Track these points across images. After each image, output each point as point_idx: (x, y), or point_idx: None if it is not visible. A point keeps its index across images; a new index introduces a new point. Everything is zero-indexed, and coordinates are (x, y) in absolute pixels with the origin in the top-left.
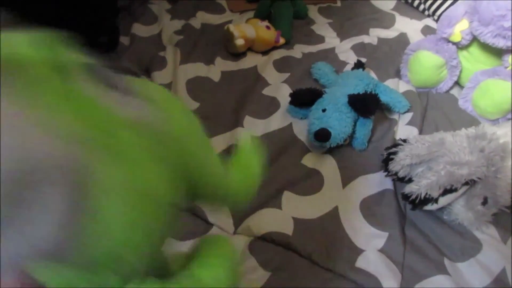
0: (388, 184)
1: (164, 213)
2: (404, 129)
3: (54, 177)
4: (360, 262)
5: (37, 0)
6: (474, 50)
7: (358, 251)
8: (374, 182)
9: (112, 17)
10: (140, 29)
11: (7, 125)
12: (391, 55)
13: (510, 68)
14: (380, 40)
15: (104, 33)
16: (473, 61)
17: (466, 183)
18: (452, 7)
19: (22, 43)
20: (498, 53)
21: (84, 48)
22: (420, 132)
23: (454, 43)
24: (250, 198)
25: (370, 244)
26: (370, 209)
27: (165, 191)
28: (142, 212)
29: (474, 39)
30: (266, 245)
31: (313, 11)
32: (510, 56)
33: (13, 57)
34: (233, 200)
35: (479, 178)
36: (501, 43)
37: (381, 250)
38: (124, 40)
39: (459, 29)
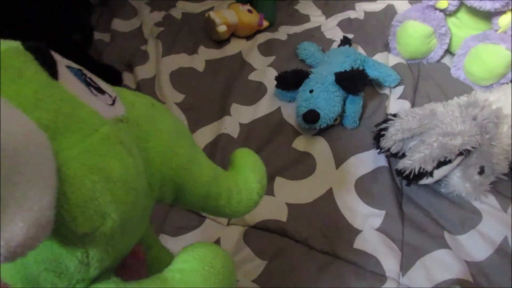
0: (382, 161)
1: (139, 203)
2: (396, 103)
3: (39, 158)
4: (358, 243)
5: (7, 2)
6: (463, 15)
7: (356, 232)
8: (367, 160)
9: (86, 14)
10: (120, 24)
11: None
12: (379, 29)
13: (500, 31)
14: (367, 14)
15: (77, 31)
16: (463, 27)
17: (461, 154)
18: None
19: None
20: (487, 16)
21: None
22: (413, 105)
23: (441, 10)
24: (247, 213)
25: (367, 223)
26: (365, 188)
27: (141, 184)
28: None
29: (462, 4)
30: (261, 234)
31: None
32: (499, 19)
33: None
34: (228, 214)
35: (473, 148)
36: (488, 5)
37: (379, 229)
38: (104, 36)
39: None
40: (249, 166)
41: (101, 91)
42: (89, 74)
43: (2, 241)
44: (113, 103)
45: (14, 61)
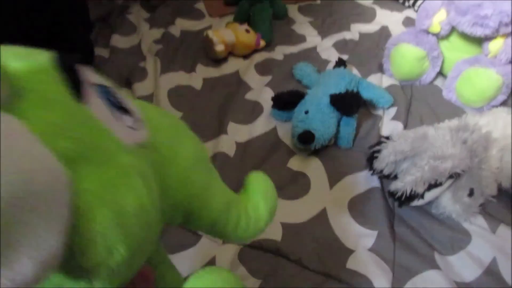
0: (375, 182)
1: (151, 234)
2: (389, 124)
3: (54, 196)
4: (351, 263)
5: (8, 18)
6: (455, 39)
7: (348, 252)
8: (361, 181)
9: (86, 32)
10: (119, 41)
11: (11, 144)
12: (373, 50)
13: (490, 55)
14: (362, 35)
15: (78, 49)
16: (454, 51)
17: (451, 176)
18: None
19: (42, 59)
20: (478, 41)
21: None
22: (405, 127)
23: (434, 34)
24: (251, 239)
25: (360, 244)
26: (358, 208)
27: (155, 216)
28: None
29: (454, 29)
30: (255, 253)
31: (293, 11)
32: (489, 44)
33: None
34: (232, 239)
35: (463, 171)
36: (478, 31)
37: (371, 249)
38: (103, 52)
39: (438, 20)
40: (261, 193)
41: (125, 111)
42: (115, 92)
43: (7, 280)
44: (136, 126)
45: (40, 83)
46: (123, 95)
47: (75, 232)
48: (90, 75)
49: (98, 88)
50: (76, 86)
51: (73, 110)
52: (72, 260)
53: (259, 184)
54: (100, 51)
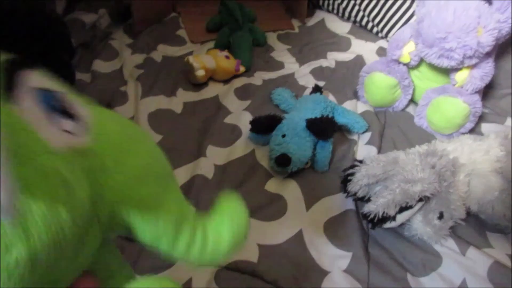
0: (349, 204)
1: (67, 241)
2: (363, 148)
3: None
4: (326, 284)
5: None
6: (424, 69)
7: (324, 273)
8: (336, 203)
9: (68, 57)
10: (100, 65)
11: None
12: (349, 77)
13: (457, 85)
14: (338, 63)
15: (59, 74)
16: (424, 79)
17: (421, 200)
18: (399, 31)
19: None
20: (445, 71)
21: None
22: (379, 151)
23: (404, 64)
24: (212, 264)
25: (335, 265)
26: (333, 230)
27: (72, 221)
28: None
29: (423, 59)
30: (232, 274)
31: (272, 38)
32: (456, 74)
33: None
34: (189, 261)
35: (432, 194)
36: (445, 63)
37: (346, 271)
38: (84, 77)
39: (407, 51)
40: (227, 215)
41: (71, 116)
42: (62, 97)
43: None
44: (76, 131)
45: None
46: (74, 100)
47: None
48: (33, 80)
49: (39, 92)
50: (10, 88)
51: None
52: None
53: (227, 205)
54: (82, 76)
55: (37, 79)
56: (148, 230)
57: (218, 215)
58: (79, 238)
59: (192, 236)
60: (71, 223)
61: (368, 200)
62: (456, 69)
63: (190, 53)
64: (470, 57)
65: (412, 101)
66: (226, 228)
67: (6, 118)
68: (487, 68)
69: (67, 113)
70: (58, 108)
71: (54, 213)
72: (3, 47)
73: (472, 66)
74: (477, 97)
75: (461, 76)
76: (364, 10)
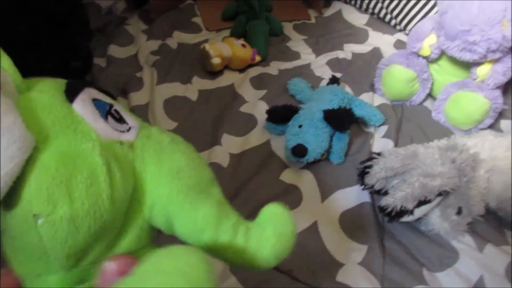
0: (366, 197)
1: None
2: (380, 141)
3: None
4: (341, 276)
5: (8, 27)
6: (444, 63)
7: (338, 265)
8: (352, 196)
9: (85, 41)
10: (116, 51)
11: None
12: (366, 70)
13: (478, 80)
14: (355, 55)
15: (77, 57)
16: (444, 74)
17: (440, 194)
18: (420, 23)
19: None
20: (466, 65)
21: (57, 72)
22: (396, 144)
23: (424, 57)
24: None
25: (350, 257)
26: (349, 222)
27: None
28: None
29: (443, 53)
30: None
31: (288, 28)
32: (477, 69)
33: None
34: (228, 261)
35: (452, 189)
36: (467, 56)
37: (361, 263)
38: (100, 62)
39: (428, 44)
40: (270, 219)
41: (120, 120)
42: (117, 108)
43: None
44: (126, 131)
45: (43, 96)
46: (121, 108)
47: (29, 182)
48: (90, 93)
49: (97, 102)
50: (71, 95)
51: (60, 108)
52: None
53: (271, 209)
54: (98, 60)
55: (93, 92)
56: (187, 226)
57: (262, 220)
58: (117, 218)
59: (234, 234)
60: (109, 200)
61: (385, 193)
62: (477, 63)
63: (206, 41)
64: (494, 51)
65: (430, 95)
66: (269, 231)
67: (68, 111)
68: (510, 63)
69: (115, 117)
70: (111, 114)
71: (96, 185)
72: (24, 31)
73: (495, 61)
74: (498, 93)
75: (482, 71)
76: (383, 1)
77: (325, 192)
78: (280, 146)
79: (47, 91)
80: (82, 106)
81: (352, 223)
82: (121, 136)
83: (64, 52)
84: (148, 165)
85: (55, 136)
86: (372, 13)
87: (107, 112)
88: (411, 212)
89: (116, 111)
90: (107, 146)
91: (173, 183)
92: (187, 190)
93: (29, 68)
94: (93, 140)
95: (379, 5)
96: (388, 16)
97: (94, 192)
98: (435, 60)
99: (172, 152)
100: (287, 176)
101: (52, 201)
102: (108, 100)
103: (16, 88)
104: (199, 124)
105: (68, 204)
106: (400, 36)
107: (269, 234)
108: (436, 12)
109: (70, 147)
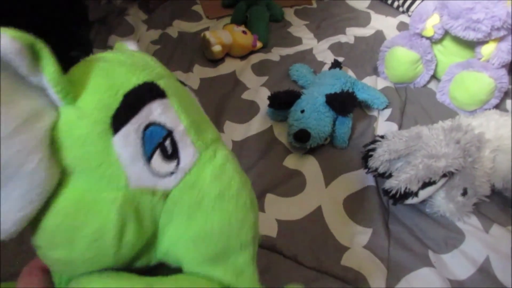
0: (370, 180)
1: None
2: (384, 125)
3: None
4: (346, 260)
5: (6, 16)
6: (448, 43)
7: (343, 249)
8: (356, 179)
9: (84, 31)
10: (116, 41)
11: None
12: (368, 53)
13: (483, 59)
14: (357, 38)
15: (76, 47)
16: (448, 54)
17: (444, 175)
18: (422, 3)
19: None
20: (470, 45)
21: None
22: (400, 128)
23: (427, 38)
24: None
25: (355, 241)
26: (353, 206)
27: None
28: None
29: (447, 33)
30: None
31: (289, 14)
32: (482, 48)
33: None
34: None
35: (456, 170)
36: (471, 35)
37: (366, 247)
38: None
39: (431, 24)
40: None
41: (171, 157)
42: (176, 136)
43: None
44: (169, 174)
45: (80, 129)
46: (181, 142)
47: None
48: (154, 113)
49: (152, 128)
50: (120, 125)
51: (97, 142)
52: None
53: None
54: (98, 52)
55: (157, 112)
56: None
57: None
58: (122, 262)
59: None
60: (114, 254)
61: (389, 176)
62: (482, 42)
63: (206, 29)
64: (498, 29)
65: (434, 77)
66: None
67: (104, 148)
68: None
69: (166, 152)
70: (160, 146)
71: (102, 241)
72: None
73: (499, 39)
74: (503, 72)
75: (487, 49)
76: None
77: (329, 177)
78: (283, 132)
79: (89, 114)
80: (123, 143)
81: (356, 207)
82: (158, 183)
83: (63, 41)
84: (174, 221)
85: (78, 176)
86: None
87: (157, 146)
88: (415, 194)
89: (173, 141)
90: (133, 197)
91: (192, 250)
92: (203, 260)
93: None
94: (118, 189)
95: None
96: None
97: (97, 246)
98: (438, 41)
99: (211, 211)
100: (290, 162)
101: (53, 243)
102: (174, 121)
103: (61, 98)
104: None
105: (68, 250)
106: (403, 18)
107: None
108: None
109: (89, 194)
